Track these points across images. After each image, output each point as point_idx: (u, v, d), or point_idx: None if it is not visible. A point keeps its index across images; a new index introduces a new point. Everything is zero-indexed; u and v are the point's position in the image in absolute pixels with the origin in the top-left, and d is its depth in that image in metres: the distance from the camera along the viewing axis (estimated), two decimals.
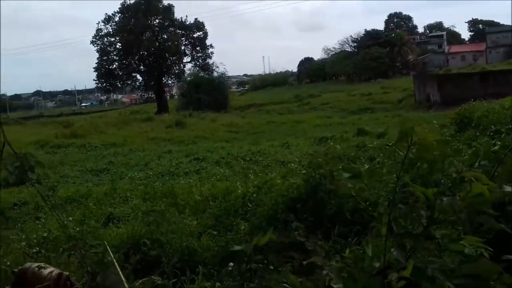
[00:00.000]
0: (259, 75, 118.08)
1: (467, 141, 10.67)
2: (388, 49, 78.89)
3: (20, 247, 7.01)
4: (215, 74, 58.70)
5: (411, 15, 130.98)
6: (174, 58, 63.92)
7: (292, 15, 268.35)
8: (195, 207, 8.65)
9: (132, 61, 63.64)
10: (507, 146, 3.00)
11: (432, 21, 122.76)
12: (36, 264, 3.15)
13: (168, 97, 66.74)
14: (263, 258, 5.69)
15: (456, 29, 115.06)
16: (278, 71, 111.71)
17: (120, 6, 61.93)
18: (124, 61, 62.95)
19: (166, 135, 27.67)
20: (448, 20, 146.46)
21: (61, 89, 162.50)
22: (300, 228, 5.90)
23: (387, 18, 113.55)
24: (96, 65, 62.54)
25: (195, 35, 65.00)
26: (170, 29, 63.83)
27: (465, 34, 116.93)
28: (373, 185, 7.13)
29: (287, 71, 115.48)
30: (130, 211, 9.16)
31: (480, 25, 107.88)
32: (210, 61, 64.34)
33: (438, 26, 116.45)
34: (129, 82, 66.94)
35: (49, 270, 3.04)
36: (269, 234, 2.68)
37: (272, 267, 4.22)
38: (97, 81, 64.72)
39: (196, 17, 66.46)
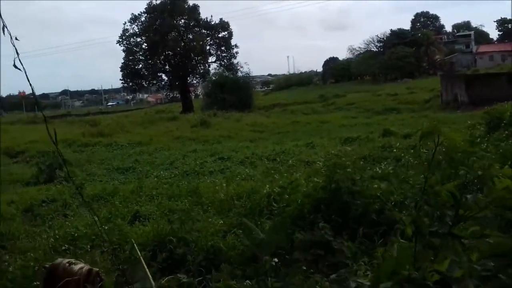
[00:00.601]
0: (283, 75, 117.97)
1: (496, 142, 10.49)
2: (415, 49, 77.88)
3: (48, 244, 7.15)
4: (239, 73, 58.76)
5: (438, 14, 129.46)
6: (199, 58, 64.26)
7: (318, 14, 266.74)
8: (220, 206, 8.68)
9: (158, 61, 64.20)
10: None
11: (459, 20, 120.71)
12: (67, 260, 3.21)
13: (193, 96, 67.02)
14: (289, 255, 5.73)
15: (484, 29, 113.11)
16: (303, 71, 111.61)
17: (146, 6, 62.61)
18: (150, 61, 63.53)
19: (191, 134, 27.81)
20: (476, 20, 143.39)
21: (88, 88, 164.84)
22: (326, 228, 5.90)
23: (413, 17, 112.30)
24: (122, 64, 63.31)
25: (220, 35, 65.25)
26: (196, 29, 64.18)
27: (494, 34, 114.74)
28: (399, 186, 7.08)
29: (311, 71, 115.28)
30: (155, 210, 9.24)
31: (509, 25, 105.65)
32: (235, 61, 64.55)
33: (466, 25, 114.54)
34: (154, 81, 67.53)
35: (80, 266, 3.10)
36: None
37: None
38: (123, 81, 65.55)
39: (221, 17, 66.54)
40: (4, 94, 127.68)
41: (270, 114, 43.79)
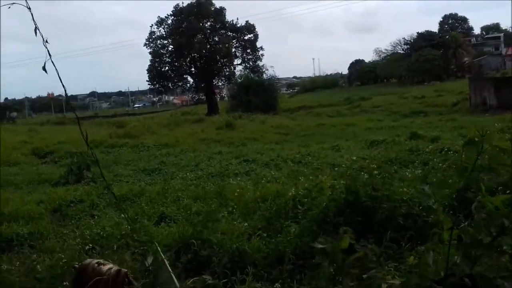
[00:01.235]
0: (308, 77, 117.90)
1: None
2: (442, 51, 76.92)
3: (75, 244, 7.24)
4: (265, 76, 58.86)
5: (467, 16, 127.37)
6: (224, 60, 64.62)
7: (344, 16, 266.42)
8: (245, 209, 8.68)
9: (184, 63, 64.77)
10: None
11: (488, 22, 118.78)
12: (96, 261, 3.25)
13: (218, 98, 67.41)
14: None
15: None
16: (328, 73, 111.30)
17: (173, 9, 63.23)
18: (176, 63, 64.14)
19: (216, 136, 27.89)
20: (505, 22, 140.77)
21: (115, 90, 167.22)
22: (349, 231, 5.83)
23: (441, 19, 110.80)
24: (149, 67, 64.05)
25: (245, 37, 65.54)
26: (221, 31, 64.53)
27: None
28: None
29: (337, 73, 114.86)
30: (181, 211, 9.29)
31: None
32: (260, 63, 64.77)
33: (495, 27, 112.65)
34: (180, 83, 68.25)
35: (108, 266, 3.14)
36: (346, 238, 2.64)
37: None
38: (149, 83, 66.31)
39: (247, 20, 66.88)
40: (33, 96, 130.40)
41: (295, 117, 43.73)
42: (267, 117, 39.60)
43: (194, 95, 71.25)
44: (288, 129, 31.57)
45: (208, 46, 63.09)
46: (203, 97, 66.85)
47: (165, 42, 64.04)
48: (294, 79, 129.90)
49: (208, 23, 64.41)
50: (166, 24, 63.49)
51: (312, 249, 5.97)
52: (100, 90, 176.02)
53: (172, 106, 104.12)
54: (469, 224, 2.05)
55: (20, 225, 8.92)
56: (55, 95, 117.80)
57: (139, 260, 5.65)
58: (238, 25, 64.64)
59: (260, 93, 50.10)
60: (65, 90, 3.30)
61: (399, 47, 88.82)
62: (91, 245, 7.16)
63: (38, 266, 6.20)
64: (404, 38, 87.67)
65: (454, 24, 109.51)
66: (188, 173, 15.05)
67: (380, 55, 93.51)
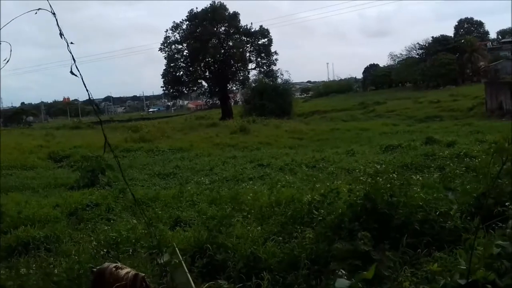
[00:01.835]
0: (323, 81, 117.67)
1: None
2: (458, 56, 76.30)
3: (91, 247, 7.27)
4: (279, 80, 58.81)
5: (482, 20, 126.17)
6: (239, 65, 64.75)
7: (358, 21, 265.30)
8: (260, 213, 8.66)
9: (198, 68, 64.97)
10: None
11: (505, 26, 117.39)
12: (114, 265, 3.26)
13: (233, 103, 67.51)
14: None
15: None
16: (343, 78, 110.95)
17: (187, 14, 63.54)
18: (191, 68, 64.34)
19: (231, 141, 27.96)
20: None
21: (130, 95, 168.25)
22: (366, 237, 5.77)
23: (457, 23, 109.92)
24: (164, 71, 64.37)
25: (260, 42, 65.55)
26: (236, 36, 64.64)
27: None
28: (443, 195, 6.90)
29: (351, 78, 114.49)
30: (196, 215, 9.31)
31: None
32: (275, 68, 64.70)
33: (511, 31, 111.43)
34: (195, 88, 68.47)
35: (126, 270, 3.15)
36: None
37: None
38: (164, 87, 66.59)
39: (261, 24, 66.96)
40: (50, 100, 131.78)
41: (310, 121, 43.69)
42: (281, 122, 39.62)
43: (208, 100, 71.47)
44: (302, 134, 31.56)
45: (223, 51, 63.25)
46: (217, 102, 67.01)
47: (180, 47, 64.34)
48: (308, 84, 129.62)
49: (223, 28, 64.59)
50: (181, 29, 63.80)
51: (328, 255, 5.96)
52: (115, 94, 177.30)
53: (186, 110, 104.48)
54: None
55: (36, 229, 8.99)
56: (71, 99, 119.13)
57: (155, 264, 5.66)
58: (252, 30, 64.76)
59: (274, 97, 50.10)
60: (89, 95, 3.36)
61: (414, 51, 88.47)
62: (107, 249, 7.18)
63: (55, 269, 6.24)
64: (419, 42, 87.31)
65: (469, 28, 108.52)
66: (202, 177, 15.10)
67: (395, 60, 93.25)
